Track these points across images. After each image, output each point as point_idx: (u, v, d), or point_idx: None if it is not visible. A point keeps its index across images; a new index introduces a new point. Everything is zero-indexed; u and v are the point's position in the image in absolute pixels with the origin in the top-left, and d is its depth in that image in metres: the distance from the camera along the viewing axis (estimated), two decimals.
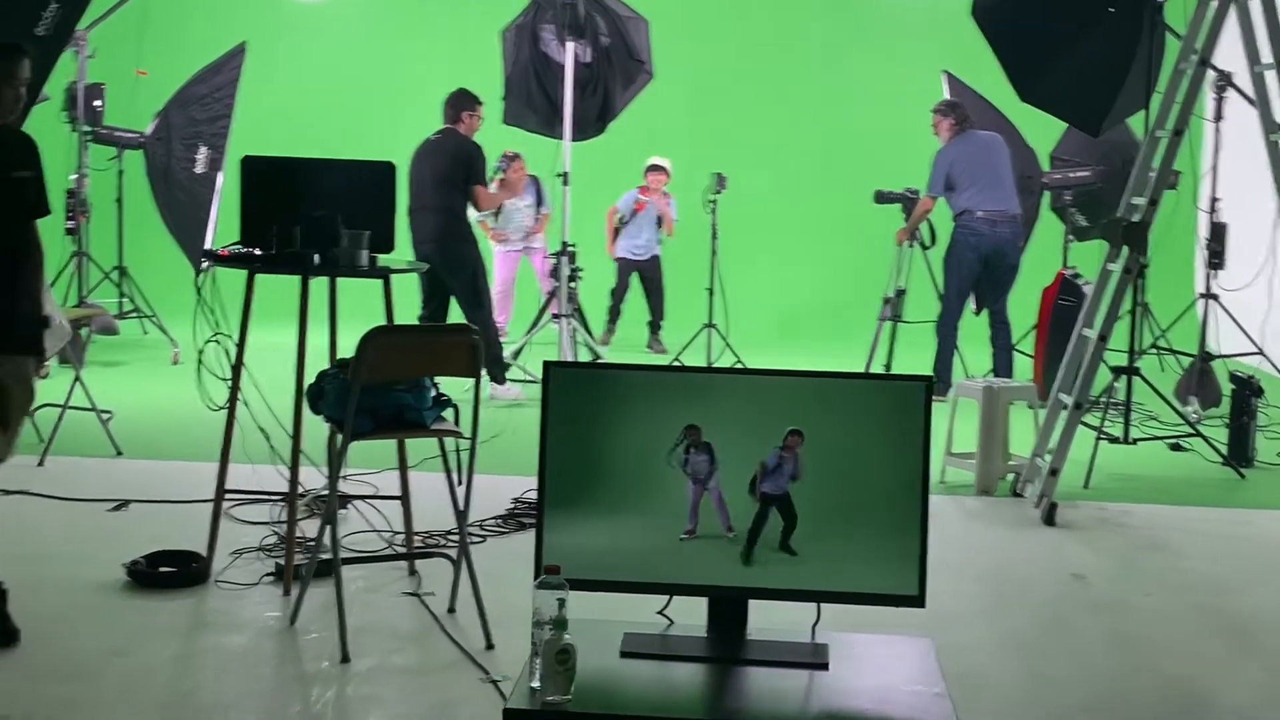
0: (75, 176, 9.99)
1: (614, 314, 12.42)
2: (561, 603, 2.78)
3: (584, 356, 9.65)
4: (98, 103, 10.52)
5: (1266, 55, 6.63)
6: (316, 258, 5.09)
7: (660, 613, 3.18)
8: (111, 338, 10.38)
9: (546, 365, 3.12)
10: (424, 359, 4.56)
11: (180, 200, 10.78)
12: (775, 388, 3.13)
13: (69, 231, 9.95)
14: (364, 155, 7.55)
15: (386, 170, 5.38)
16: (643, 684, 2.93)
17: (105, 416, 7.29)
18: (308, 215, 5.13)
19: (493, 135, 10.54)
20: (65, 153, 10.23)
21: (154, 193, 10.86)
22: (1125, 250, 6.61)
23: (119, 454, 7.13)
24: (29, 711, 3.99)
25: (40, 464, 6.83)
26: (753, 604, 3.14)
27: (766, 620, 3.21)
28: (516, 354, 9.66)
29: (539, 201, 11.74)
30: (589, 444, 3.11)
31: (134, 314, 10.79)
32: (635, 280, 12.27)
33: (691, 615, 3.19)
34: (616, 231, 12.23)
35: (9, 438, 4.73)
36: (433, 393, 4.76)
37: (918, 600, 3.05)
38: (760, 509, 3.05)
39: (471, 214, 9.37)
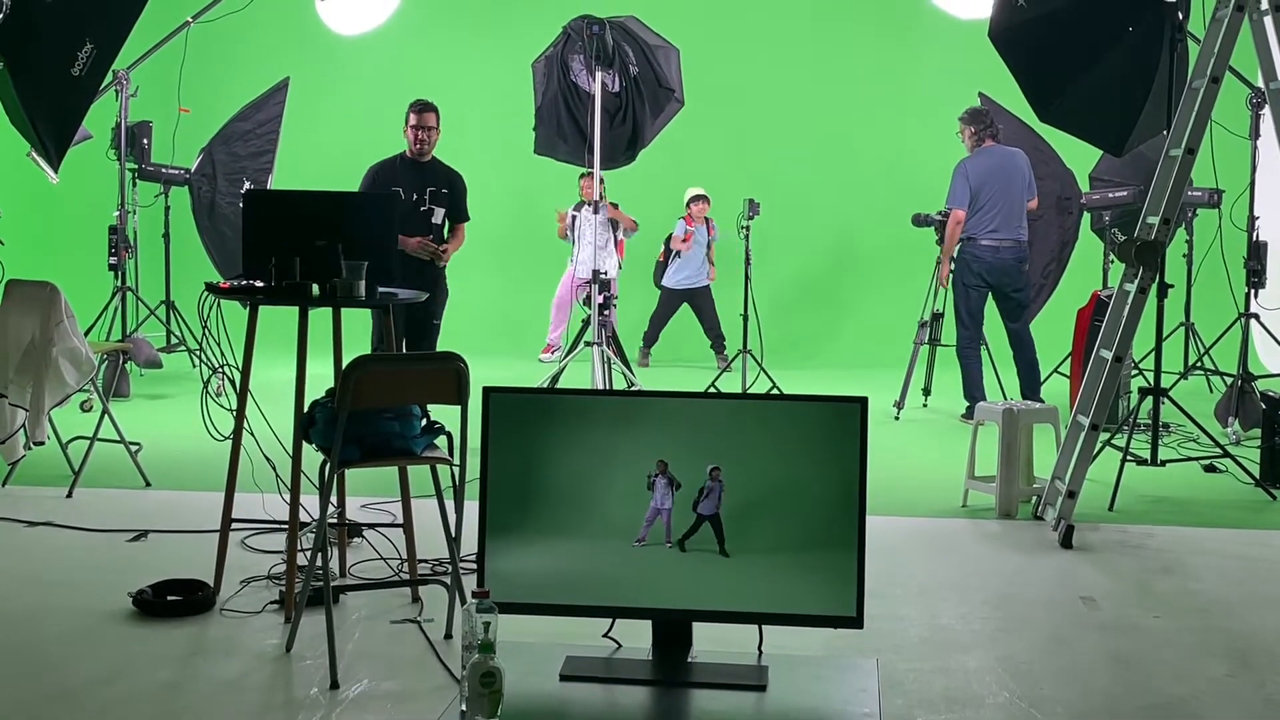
0: (117, 213, 10.19)
1: (650, 339, 12.50)
2: (487, 626, 2.81)
3: (620, 385, 9.67)
4: (146, 140, 10.73)
5: None
6: (315, 288, 5.18)
7: (607, 635, 3.20)
8: (157, 371, 10.56)
9: (485, 391, 3.16)
10: (408, 387, 4.62)
11: (226, 235, 10.95)
12: (711, 411, 3.15)
13: (111, 267, 10.14)
14: None
15: (387, 201, 5.45)
16: (579, 707, 2.95)
17: (134, 448, 7.40)
18: (308, 246, 5.22)
19: (524, 165, 10.68)
20: (112, 190, 10.46)
21: (198, 228, 11.07)
22: (1141, 270, 6.56)
23: (148, 485, 7.24)
24: None
25: (69, 496, 6.96)
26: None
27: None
28: (555, 379, 9.69)
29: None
30: (530, 469, 3.14)
31: (181, 347, 10.96)
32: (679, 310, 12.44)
33: (643, 639, 3.21)
34: (665, 262, 12.34)
35: None
36: (422, 421, 4.81)
37: (855, 621, 3.04)
38: (695, 523, 3.07)
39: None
